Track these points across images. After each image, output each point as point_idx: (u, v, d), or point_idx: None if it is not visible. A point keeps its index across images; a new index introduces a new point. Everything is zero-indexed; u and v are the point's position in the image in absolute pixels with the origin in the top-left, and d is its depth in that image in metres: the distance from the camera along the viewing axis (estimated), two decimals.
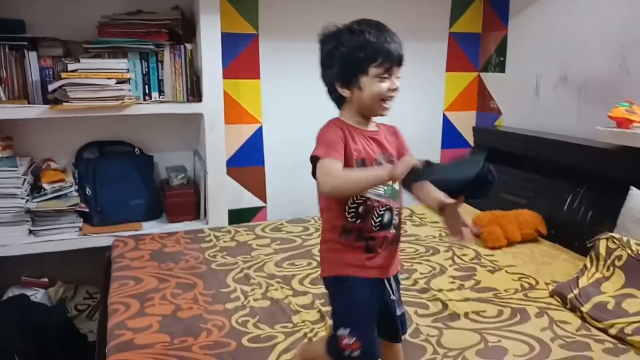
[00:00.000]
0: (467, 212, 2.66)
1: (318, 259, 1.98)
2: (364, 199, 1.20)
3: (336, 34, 1.23)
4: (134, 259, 2.11)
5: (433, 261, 2.11)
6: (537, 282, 1.89)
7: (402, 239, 1.32)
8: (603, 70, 2.33)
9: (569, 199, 2.30)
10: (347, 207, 1.20)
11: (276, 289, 1.85)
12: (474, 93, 3.16)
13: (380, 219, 1.22)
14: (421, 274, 2.00)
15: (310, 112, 2.84)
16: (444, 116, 3.15)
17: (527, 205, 2.47)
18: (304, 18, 2.73)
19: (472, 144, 3.18)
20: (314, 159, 1.18)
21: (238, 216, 2.73)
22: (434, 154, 3.18)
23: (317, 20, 2.70)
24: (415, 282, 1.91)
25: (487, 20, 3.04)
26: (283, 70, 2.75)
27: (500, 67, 2.96)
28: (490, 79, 3.06)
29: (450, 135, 3.18)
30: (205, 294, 1.82)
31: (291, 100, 2.80)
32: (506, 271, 2.01)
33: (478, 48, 3.10)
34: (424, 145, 3.13)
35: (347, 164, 1.18)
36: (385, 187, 1.22)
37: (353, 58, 1.18)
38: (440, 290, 1.84)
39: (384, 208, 1.22)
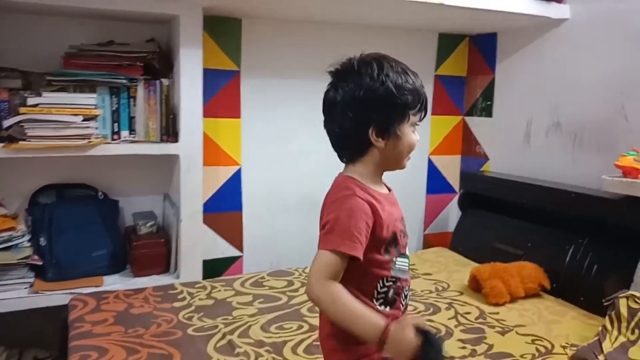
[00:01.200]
0: (465, 263, 2.51)
1: (310, 320, 1.79)
2: (394, 279, 1.00)
3: (380, 69, 1.01)
4: (95, 322, 1.81)
5: (436, 321, 1.92)
6: (553, 346, 1.73)
7: None
8: (600, 116, 2.27)
9: (571, 251, 2.18)
10: (375, 292, 0.99)
11: None
12: (458, 137, 3.07)
13: (406, 300, 1.04)
14: None
15: (292, 154, 2.69)
16: (429, 160, 3.04)
17: (525, 256, 2.34)
18: (289, 55, 2.59)
19: (457, 189, 3.08)
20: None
21: (211, 267, 2.47)
22: (419, 199, 3.05)
23: (303, 58, 2.65)
24: None
25: (473, 64, 2.98)
26: (265, 109, 2.57)
27: (487, 112, 2.89)
28: (476, 123, 2.98)
29: (435, 180, 3.06)
30: None
31: (273, 141, 2.62)
32: (517, 332, 1.84)
33: (463, 91, 3.03)
34: (409, 189, 3.00)
35: (377, 245, 0.97)
36: (408, 260, 1.05)
37: (401, 101, 0.99)
38: (452, 359, 1.64)
39: (408, 286, 1.05)
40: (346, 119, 1.01)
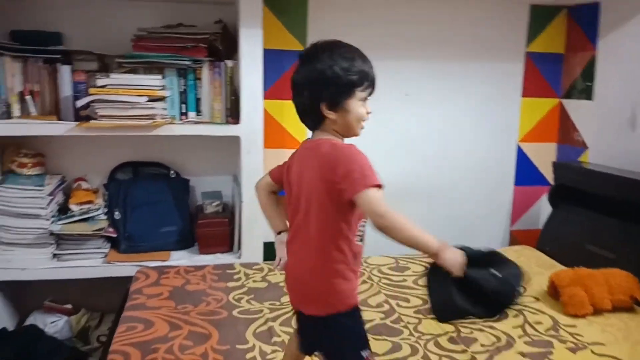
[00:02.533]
0: (549, 265, 2.25)
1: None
2: (365, 220, 1.21)
3: (330, 56, 1.19)
4: (151, 295, 1.89)
5: (498, 329, 1.72)
6: None
7: None
8: None
9: None
10: (357, 230, 1.21)
11: None
12: (554, 122, 2.73)
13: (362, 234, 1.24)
14: (482, 345, 1.62)
15: (362, 135, 2.57)
16: (519, 148, 2.75)
17: (617, 261, 2.02)
18: (358, 34, 2.41)
19: (551, 181, 2.75)
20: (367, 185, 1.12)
21: (274, 250, 2.46)
22: (506, 191, 2.78)
23: (373, 37, 2.49)
24: (473, 358, 1.54)
25: (572, 39, 2.62)
26: None
27: (587, 94, 2.53)
28: (575, 107, 2.63)
29: (525, 170, 2.77)
30: (218, 349, 1.56)
31: None
32: (592, 351, 1.58)
33: (560, 71, 2.68)
34: (494, 180, 2.75)
35: None
36: None
37: (345, 81, 1.18)
38: None
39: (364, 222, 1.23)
40: (305, 96, 1.21)
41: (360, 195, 1.11)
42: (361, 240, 1.24)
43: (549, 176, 2.75)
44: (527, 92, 2.67)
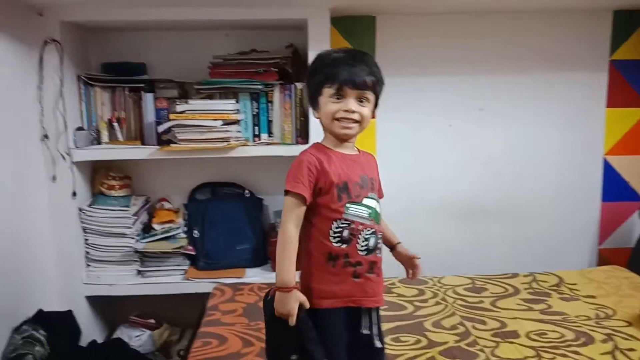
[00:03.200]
0: (638, 287, 2.08)
1: (430, 336, 1.68)
2: (348, 222, 1.21)
3: (312, 61, 1.31)
4: (226, 312, 1.95)
5: (584, 355, 1.60)
6: None
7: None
8: None
9: None
10: (331, 232, 1.21)
11: None
12: None
13: (366, 242, 1.23)
14: None
15: (427, 152, 2.53)
16: (605, 161, 2.57)
17: None
18: (425, 52, 2.45)
19: None
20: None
21: None
22: (593, 208, 2.61)
23: (440, 55, 2.47)
24: None
25: None
26: (400, 108, 2.47)
27: None
28: None
29: (613, 185, 2.58)
30: None
31: (407, 140, 2.51)
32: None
33: None
34: (579, 197, 2.59)
35: (328, 188, 1.21)
36: (370, 210, 1.25)
37: (314, 81, 1.26)
38: None
39: (370, 231, 1.24)
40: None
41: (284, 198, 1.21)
42: (342, 242, 1.21)
43: None
44: (612, 103, 2.51)
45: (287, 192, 1.21)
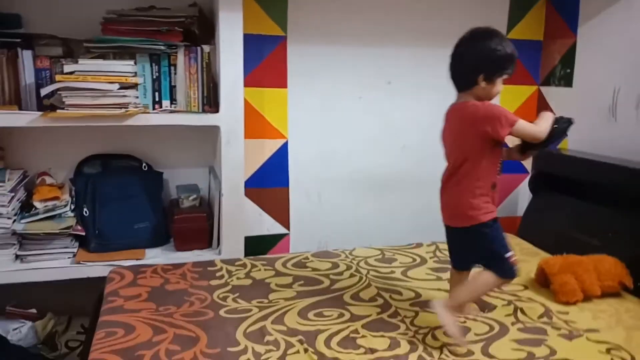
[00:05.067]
0: (534, 253, 2.25)
1: (351, 309, 1.65)
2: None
3: (499, 38, 1.52)
4: (129, 297, 1.76)
5: (490, 317, 1.70)
6: (633, 358, 1.46)
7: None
8: None
9: None
10: (499, 165, 1.55)
11: (297, 352, 1.47)
12: (533, 110, 2.74)
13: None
14: (476, 335, 1.59)
15: (343, 125, 2.50)
16: None
17: (603, 247, 2.03)
18: (340, 20, 2.39)
19: (528, 169, 2.76)
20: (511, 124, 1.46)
21: (256, 244, 2.38)
22: None
23: (355, 23, 2.41)
24: (470, 350, 1.50)
25: (551, 26, 2.63)
26: (314, 78, 2.40)
27: (567, 81, 2.54)
28: (554, 94, 2.64)
29: None
30: (208, 353, 1.45)
31: (322, 113, 2.46)
32: (588, 338, 1.58)
33: (539, 58, 2.69)
34: None
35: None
36: None
37: (505, 62, 1.50)
38: None
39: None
40: (468, 65, 1.55)
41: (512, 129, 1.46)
42: (499, 172, 1.55)
43: (527, 164, 2.76)
44: (505, 80, 2.65)
45: (514, 124, 1.46)
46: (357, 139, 2.53)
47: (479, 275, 1.58)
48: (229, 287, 1.87)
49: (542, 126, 1.50)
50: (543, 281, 1.92)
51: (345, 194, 2.55)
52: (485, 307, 1.75)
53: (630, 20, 2.20)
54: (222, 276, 1.96)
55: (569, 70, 2.52)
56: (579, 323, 1.67)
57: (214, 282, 1.90)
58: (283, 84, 2.35)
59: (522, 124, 1.48)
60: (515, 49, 1.52)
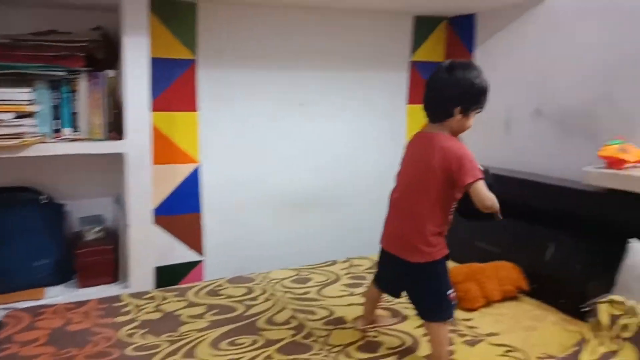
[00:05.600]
0: None
1: (266, 334, 1.69)
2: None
3: (477, 71, 1.51)
4: (25, 343, 1.64)
5: (401, 330, 1.75)
6: (529, 358, 1.56)
7: None
8: (585, 102, 2.10)
9: (551, 249, 2.01)
10: (454, 204, 1.56)
11: None
12: None
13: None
14: (388, 349, 1.64)
15: (256, 147, 2.49)
16: None
17: (502, 255, 2.16)
18: (251, 42, 2.40)
19: None
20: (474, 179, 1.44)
21: (168, 274, 2.30)
22: None
23: (267, 45, 2.43)
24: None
25: (451, 48, 2.80)
26: (225, 101, 2.39)
27: None
28: None
29: None
30: None
31: (235, 135, 2.44)
32: (489, 342, 1.67)
33: None
34: (390, 184, 2.81)
35: None
36: None
37: (482, 96, 1.52)
38: None
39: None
40: (445, 95, 1.53)
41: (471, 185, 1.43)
42: (451, 214, 1.57)
43: None
44: (412, 100, 2.79)
45: (477, 180, 1.44)
46: (271, 161, 2.53)
47: (432, 333, 1.54)
48: (137, 323, 1.79)
49: (494, 199, 1.44)
50: None
51: (260, 216, 2.54)
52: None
53: (521, 43, 2.40)
54: (129, 312, 1.88)
55: None
56: (481, 328, 1.76)
57: (120, 319, 1.82)
58: (193, 108, 2.32)
59: (482, 185, 1.44)
60: (487, 82, 1.51)
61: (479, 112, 1.53)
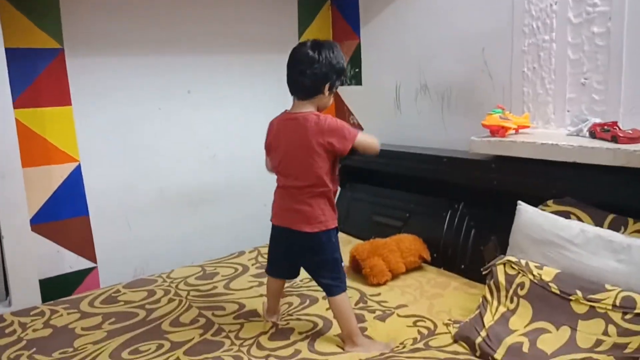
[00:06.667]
0: (344, 242, 2.36)
1: (171, 337, 1.56)
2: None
3: (339, 50, 1.56)
4: None
5: (311, 314, 1.74)
6: (436, 325, 1.62)
7: None
8: (465, 75, 2.20)
9: (447, 217, 2.11)
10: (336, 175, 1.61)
11: None
12: (331, 108, 2.89)
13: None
14: (300, 333, 1.61)
15: (144, 140, 2.31)
16: None
17: (403, 228, 2.25)
18: (124, 27, 2.21)
19: None
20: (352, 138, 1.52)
21: (58, 286, 2.09)
22: None
23: (142, 30, 2.25)
24: (297, 350, 1.51)
25: (338, 29, 2.81)
26: (103, 92, 2.19)
27: (357, 79, 2.74)
28: (348, 93, 2.83)
29: None
30: None
31: (118, 129, 2.25)
32: (398, 314, 1.71)
33: None
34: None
35: None
36: None
37: (344, 74, 1.59)
38: (328, 355, 1.47)
39: None
40: (310, 74, 1.54)
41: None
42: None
43: None
44: None
45: (358, 131, 1.53)
46: (160, 154, 2.37)
47: (334, 306, 1.56)
48: (23, 343, 1.60)
49: (375, 139, 1.57)
50: (356, 267, 2.03)
51: (157, 213, 2.38)
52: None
53: (402, 22, 2.45)
54: (13, 331, 1.68)
55: (357, 70, 2.72)
56: (390, 302, 1.80)
57: (3, 341, 1.61)
58: (66, 102, 2.10)
59: (362, 137, 1.53)
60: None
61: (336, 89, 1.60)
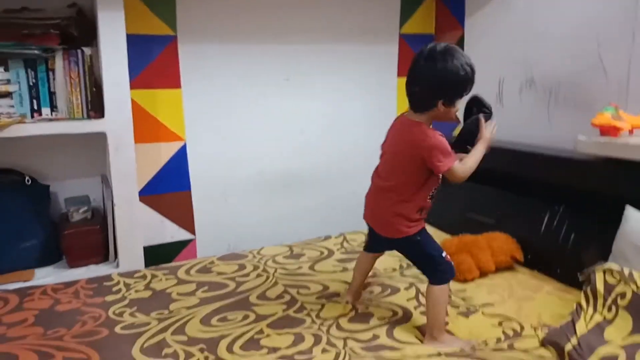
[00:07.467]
0: (435, 236, 2.30)
1: (257, 309, 1.67)
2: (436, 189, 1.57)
3: (457, 58, 1.41)
4: (13, 324, 1.61)
5: (394, 303, 1.73)
6: (523, 328, 1.55)
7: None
8: (576, 70, 2.05)
9: (546, 219, 1.99)
10: (433, 191, 1.55)
11: None
12: None
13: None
14: (379, 319, 1.62)
15: (243, 124, 2.45)
16: None
17: (496, 226, 2.14)
18: (232, 17, 2.33)
19: None
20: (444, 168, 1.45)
21: (160, 254, 2.27)
22: None
23: (246, 20, 2.37)
24: (375, 336, 1.52)
25: (441, 20, 2.74)
26: (209, 77, 2.33)
27: None
28: None
29: None
30: None
31: (221, 112, 2.39)
32: (483, 313, 1.65)
33: None
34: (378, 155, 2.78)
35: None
36: None
37: (465, 84, 1.44)
38: (405, 344, 1.46)
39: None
40: (425, 88, 1.46)
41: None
42: (431, 199, 1.56)
43: None
44: (402, 72, 2.74)
45: (455, 162, 1.47)
46: (258, 137, 2.49)
47: (429, 294, 1.53)
48: (127, 302, 1.77)
49: (470, 164, 1.50)
50: None
51: (251, 193, 2.50)
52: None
53: (510, 13, 2.34)
54: (119, 290, 1.85)
55: None
56: (476, 299, 1.74)
57: (109, 298, 1.79)
58: (176, 85, 2.26)
59: (455, 169, 1.46)
60: (473, 65, 1.44)
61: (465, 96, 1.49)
